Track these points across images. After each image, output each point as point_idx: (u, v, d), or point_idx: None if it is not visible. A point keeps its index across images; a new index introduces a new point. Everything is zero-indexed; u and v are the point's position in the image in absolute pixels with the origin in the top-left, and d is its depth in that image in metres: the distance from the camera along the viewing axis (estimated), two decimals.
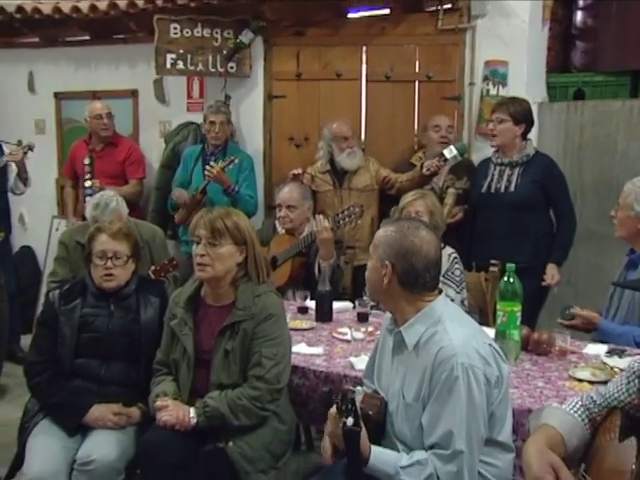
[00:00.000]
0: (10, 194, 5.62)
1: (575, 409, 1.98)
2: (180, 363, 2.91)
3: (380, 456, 2.24)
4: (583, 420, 1.96)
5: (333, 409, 2.23)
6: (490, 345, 2.34)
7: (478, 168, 4.48)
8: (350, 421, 2.12)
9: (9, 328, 5.17)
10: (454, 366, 2.20)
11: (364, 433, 2.19)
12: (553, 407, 2.08)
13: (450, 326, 2.31)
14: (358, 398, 2.21)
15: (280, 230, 4.34)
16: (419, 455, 2.23)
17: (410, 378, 2.34)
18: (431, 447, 2.24)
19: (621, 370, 2.71)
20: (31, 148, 5.45)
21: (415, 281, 2.36)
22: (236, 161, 4.81)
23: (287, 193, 4.28)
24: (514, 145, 4.25)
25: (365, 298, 3.69)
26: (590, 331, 3.35)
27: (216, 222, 2.83)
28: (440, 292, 2.45)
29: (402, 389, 2.36)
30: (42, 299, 5.72)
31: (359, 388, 2.27)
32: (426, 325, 2.35)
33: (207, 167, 4.80)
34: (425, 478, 2.19)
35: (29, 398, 3.20)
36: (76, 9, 5.65)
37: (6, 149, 5.48)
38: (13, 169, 5.46)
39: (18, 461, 3.06)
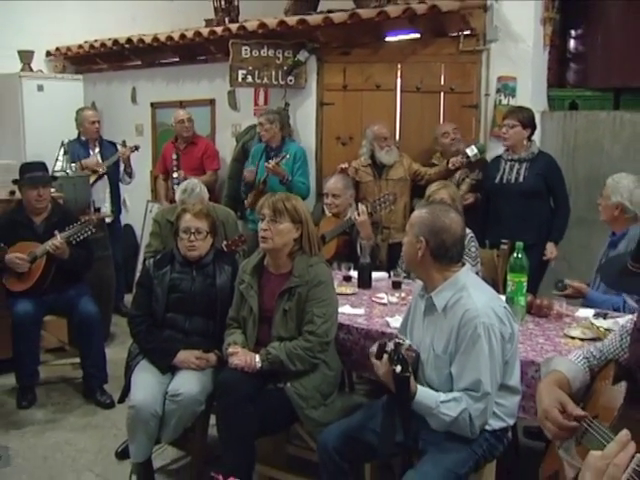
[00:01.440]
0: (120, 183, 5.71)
1: (578, 360, 1.95)
2: (247, 319, 2.90)
3: (423, 393, 2.24)
4: (584, 368, 1.93)
5: (384, 360, 2.21)
6: (505, 308, 2.34)
7: (490, 164, 4.42)
8: (398, 368, 2.12)
9: (115, 289, 5.25)
10: (477, 325, 2.20)
11: (412, 379, 2.20)
12: (561, 358, 2.04)
13: (473, 292, 2.30)
14: (404, 348, 2.18)
15: (328, 213, 4.29)
16: (455, 393, 2.24)
17: (439, 335, 2.33)
18: (461, 390, 2.23)
19: (605, 329, 2.72)
20: (137, 148, 5.57)
21: (445, 254, 2.34)
22: (288, 156, 4.82)
23: (332, 184, 4.22)
24: (522, 145, 4.21)
25: (398, 270, 3.66)
26: (579, 299, 3.29)
27: (277, 203, 2.81)
28: (463, 264, 2.42)
29: (432, 343, 2.34)
30: (140, 266, 5.82)
31: (407, 341, 2.24)
32: (452, 291, 2.32)
33: (265, 164, 4.80)
34: (460, 412, 2.20)
35: (131, 343, 3.24)
36: (170, 37, 5.84)
37: (120, 148, 5.55)
38: (122, 164, 5.53)
39: (126, 390, 3.15)
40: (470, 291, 2.30)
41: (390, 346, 2.17)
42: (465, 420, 2.19)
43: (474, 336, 2.20)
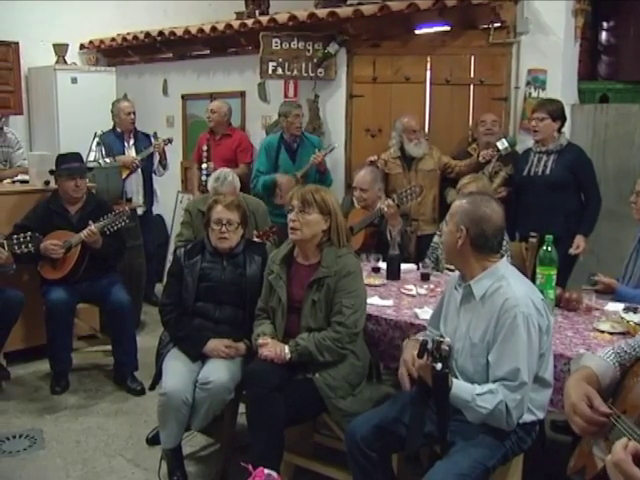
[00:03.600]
0: (153, 175, 5.75)
1: (608, 355, 1.90)
2: (276, 310, 2.89)
3: (459, 386, 2.23)
4: (614, 364, 1.88)
5: (425, 357, 2.20)
6: (542, 300, 2.32)
7: (520, 156, 4.37)
8: (439, 366, 2.11)
9: (146, 278, 5.29)
10: (517, 314, 2.19)
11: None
12: (590, 354, 2.01)
13: (513, 282, 2.29)
14: (445, 346, 2.17)
15: (357, 205, 4.27)
16: (490, 385, 2.22)
17: (476, 323, 2.31)
18: (498, 380, 2.21)
19: (635, 323, 2.67)
20: (170, 141, 5.59)
21: (484, 244, 2.33)
22: (337, 145, 4.88)
23: (360, 178, 4.18)
24: (552, 138, 4.14)
25: (427, 261, 3.63)
26: (609, 294, 3.22)
27: (307, 195, 2.80)
28: (502, 256, 2.41)
29: (468, 332, 2.33)
30: (170, 256, 5.87)
31: (448, 339, 2.23)
32: (491, 280, 2.31)
33: (314, 156, 4.77)
34: (496, 403, 2.17)
35: (162, 331, 3.26)
36: (201, 30, 5.85)
37: (153, 141, 5.59)
38: (156, 156, 5.57)
39: (157, 377, 3.18)
40: (510, 281, 2.29)
41: (431, 344, 2.16)
42: (502, 412, 2.17)
43: (513, 325, 2.19)
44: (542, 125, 4.09)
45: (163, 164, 5.60)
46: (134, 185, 5.46)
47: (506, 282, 2.29)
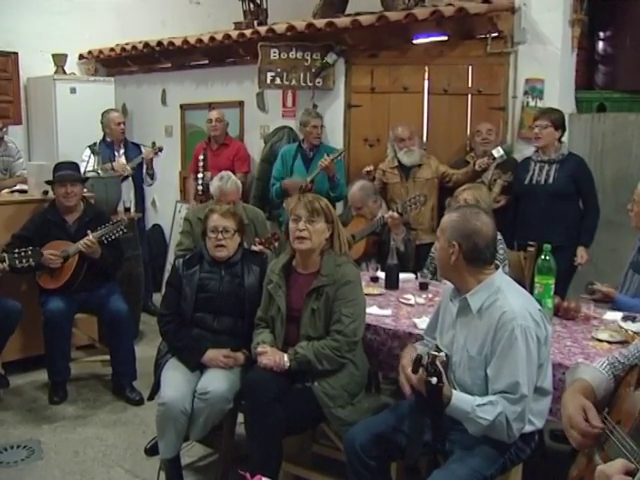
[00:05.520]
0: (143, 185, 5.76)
1: (603, 367, 1.93)
2: (275, 319, 2.89)
3: (459, 397, 2.22)
4: (609, 375, 1.90)
5: (420, 372, 2.19)
6: (540, 310, 2.32)
7: (520, 165, 4.39)
8: (434, 380, 2.12)
9: (144, 287, 5.28)
10: (514, 327, 2.18)
11: (446, 384, 2.19)
12: (586, 365, 2.02)
13: (509, 294, 2.29)
14: (439, 360, 2.18)
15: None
16: (490, 397, 2.21)
17: (473, 336, 2.31)
18: (497, 393, 2.21)
19: (634, 332, 2.68)
20: (161, 150, 5.58)
21: (477, 257, 2.32)
22: (344, 153, 4.85)
23: (351, 196, 4.24)
24: (553, 146, 4.18)
25: (425, 271, 3.64)
26: (607, 303, 3.22)
27: (314, 203, 2.81)
28: (497, 267, 2.41)
29: (466, 345, 2.33)
30: (168, 265, 5.87)
31: (442, 353, 2.23)
32: (487, 293, 2.31)
33: (321, 159, 4.70)
34: (496, 415, 2.17)
35: (161, 341, 3.26)
36: (199, 40, 5.88)
37: (143, 150, 5.60)
38: (145, 165, 5.57)
39: (155, 387, 3.16)
40: (506, 293, 2.29)
41: (426, 359, 2.16)
42: (502, 424, 2.16)
43: (511, 338, 2.18)
44: (545, 133, 4.13)
45: (150, 174, 5.59)
46: (125, 194, 5.47)
47: (502, 295, 2.28)
